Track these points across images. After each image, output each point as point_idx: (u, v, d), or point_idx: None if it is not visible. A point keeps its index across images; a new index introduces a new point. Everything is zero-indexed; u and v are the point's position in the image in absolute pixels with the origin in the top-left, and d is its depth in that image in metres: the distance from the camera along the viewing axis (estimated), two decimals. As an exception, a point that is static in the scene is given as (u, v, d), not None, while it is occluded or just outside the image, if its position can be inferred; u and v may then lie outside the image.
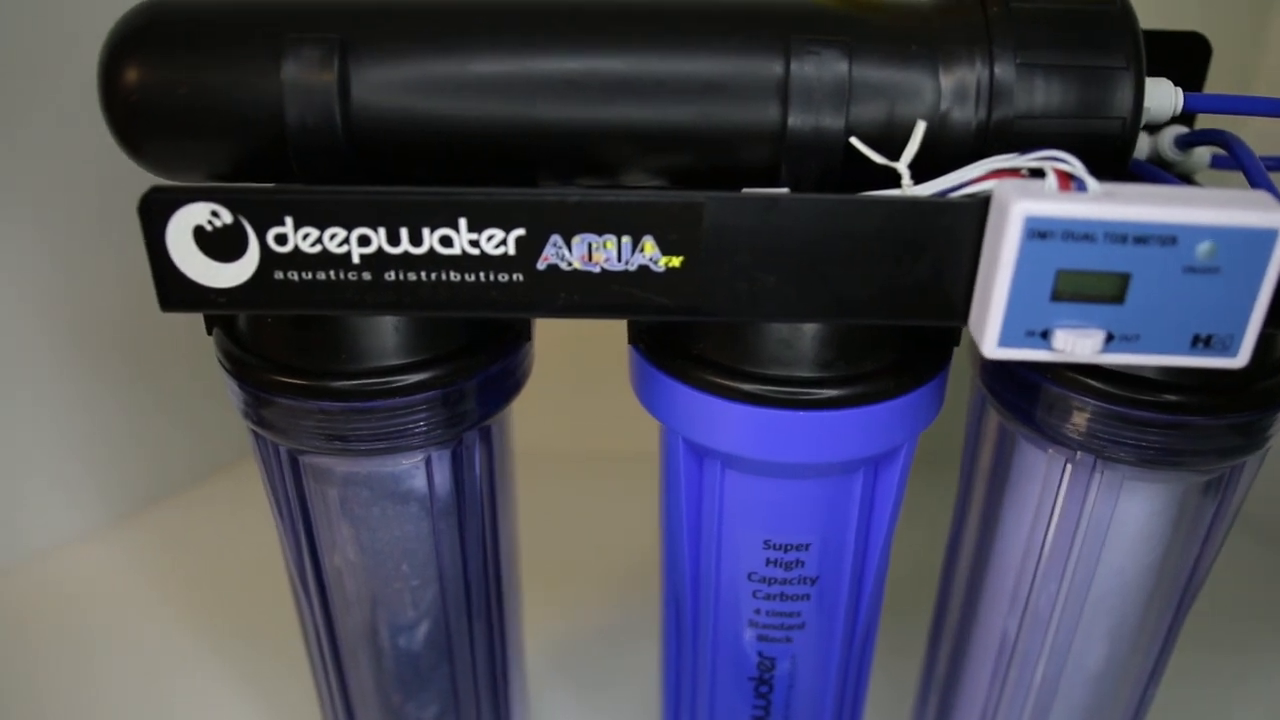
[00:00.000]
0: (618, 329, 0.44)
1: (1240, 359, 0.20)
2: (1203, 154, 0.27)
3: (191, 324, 0.50)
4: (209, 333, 0.26)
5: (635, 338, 0.25)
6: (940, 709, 0.33)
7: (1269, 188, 0.21)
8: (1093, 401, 0.24)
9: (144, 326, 0.47)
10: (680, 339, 0.24)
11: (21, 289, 0.43)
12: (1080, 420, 0.24)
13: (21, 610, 0.45)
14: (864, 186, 0.21)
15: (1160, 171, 0.25)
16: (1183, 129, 0.26)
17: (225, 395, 0.52)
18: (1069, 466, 0.25)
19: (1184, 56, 0.28)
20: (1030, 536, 0.27)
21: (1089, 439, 0.24)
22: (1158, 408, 0.23)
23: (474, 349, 0.24)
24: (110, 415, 0.48)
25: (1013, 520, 0.28)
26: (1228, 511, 0.26)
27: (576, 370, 0.47)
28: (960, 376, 0.27)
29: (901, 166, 0.21)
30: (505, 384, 0.25)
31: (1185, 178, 0.27)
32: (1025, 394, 0.25)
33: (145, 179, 0.24)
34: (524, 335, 0.26)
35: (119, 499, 0.50)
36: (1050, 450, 0.26)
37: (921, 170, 0.21)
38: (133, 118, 0.22)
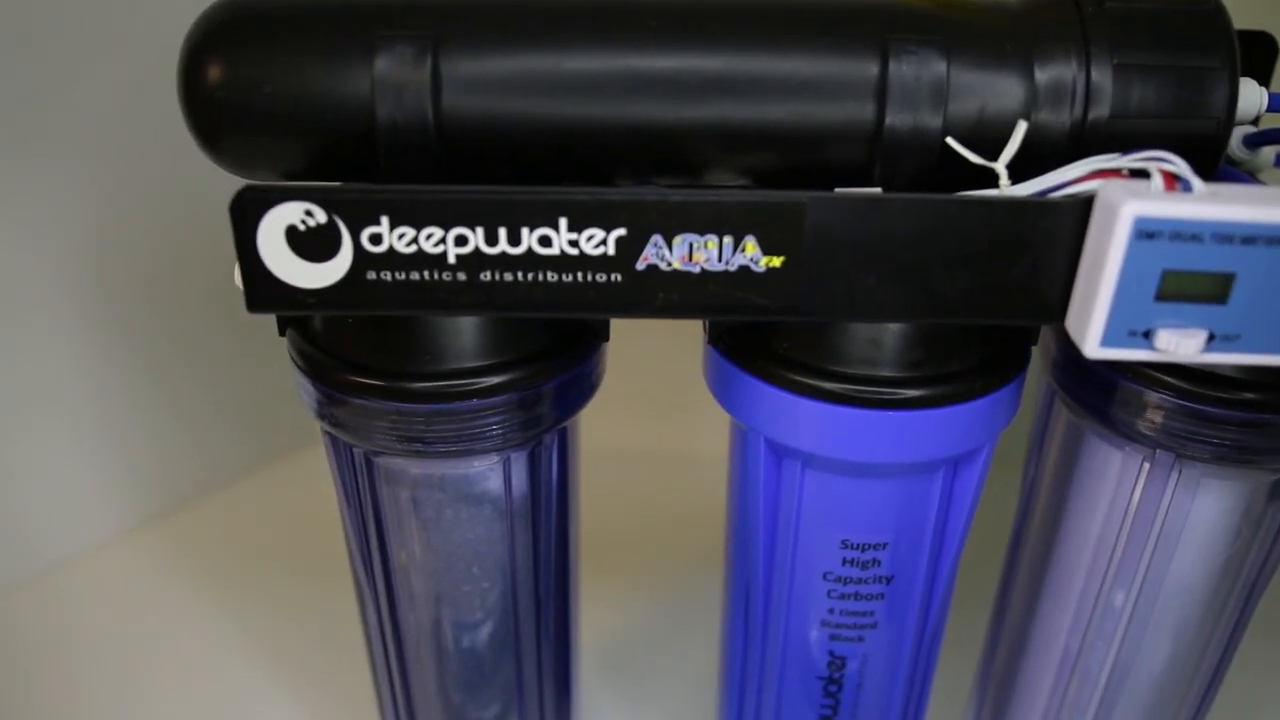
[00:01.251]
0: (661, 328, 0.44)
1: (1340, 358, 0.20)
2: (1268, 153, 0.27)
3: (232, 315, 0.50)
4: (282, 333, 0.25)
5: (715, 338, 0.25)
6: (996, 706, 0.33)
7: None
8: (1173, 399, 0.24)
9: (181, 319, 0.47)
10: (763, 339, 0.24)
11: (54, 268, 0.43)
12: (1159, 418, 0.24)
13: (59, 615, 0.44)
14: (954, 187, 0.21)
15: (1238, 171, 0.25)
16: (1250, 128, 0.26)
17: (267, 387, 0.52)
18: (1146, 465, 0.25)
19: (1250, 56, 0.28)
20: (1101, 535, 0.27)
21: (1167, 436, 0.24)
22: (1239, 405, 0.23)
23: (554, 351, 0.24)
24: (145, 412, 0.47)
25: (1081, 519, 0.28)
26: (1298, 509, 0.26)
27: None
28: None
29: (1000, 167, 0.21)
30: (583, 386, 0.25)
31: (1251, 176, 0.27)
32: (1101, 392, 0.25)
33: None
34: (602, 336, 0.25)
35: (155, 498, 0.50)
36: (1126, 448, 0.26)
37: (1013, 170, 0.21)
38: (215, 115, 0.22)
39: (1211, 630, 0.28)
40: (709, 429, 0.46)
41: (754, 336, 0.24)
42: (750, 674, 0.29)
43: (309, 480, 0.53)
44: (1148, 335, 0.20)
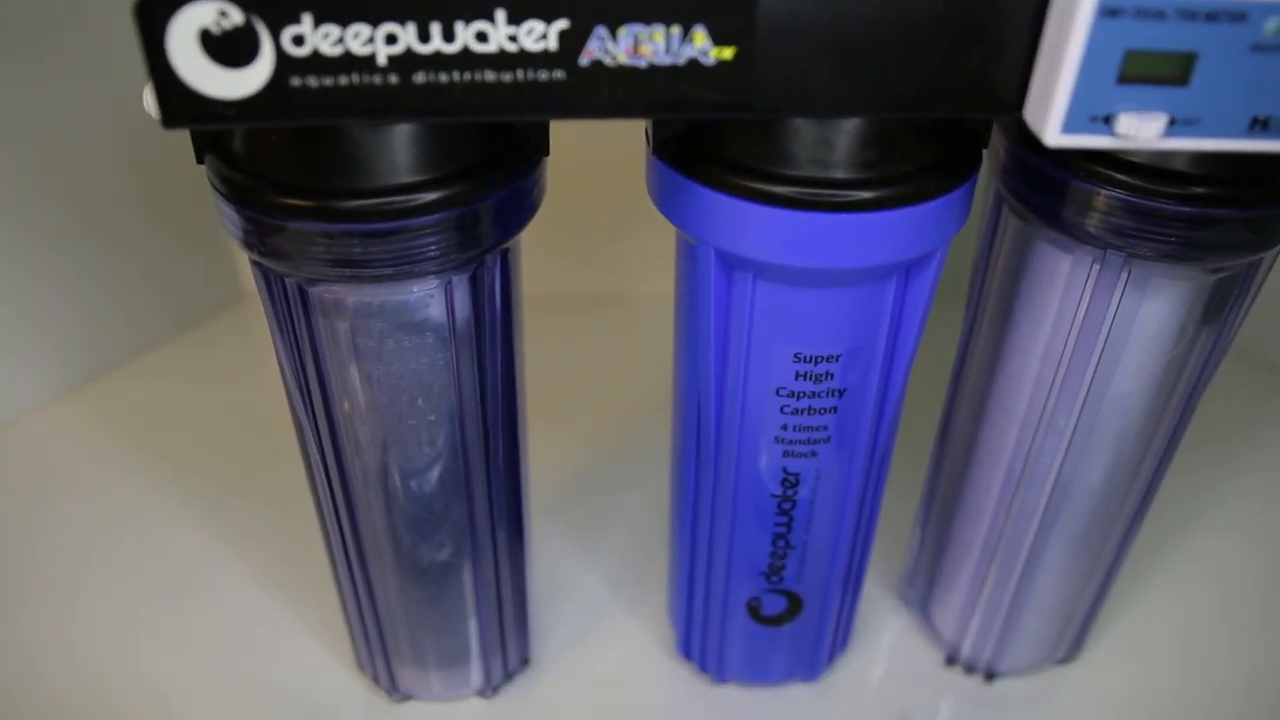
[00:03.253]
0: (598, 153, 0.42)
1: (1298, 141, 0.20)
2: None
3: (146, 175, 0.47)
4: (199, 160, 0.24)
5: (660, 147, 0.24)
6: (941, 523, 0.34)
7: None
8: (1124, 196, 0.23)
9: (95, 175, 0.44)
10: (710, 145, 0.23)
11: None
12: (1110, 216, 0.24)
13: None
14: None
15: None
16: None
17: (180, 254, 0.50)
18: (1095, 266, 0.25)
19: None
20: (1049, 344, 0.27)
21: (1117, 235, 0.24)
22: (1189, 200, 0.23)
23: (493, 165, 0.23)
24: (66, 277, 0.45)
25: (1029, 328, 0.28)
26: (1240, 311, 0.27)
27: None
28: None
29: (956, -52, 0.20)
30: (524, 203, 0.24)
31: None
32: (1051, 193, 0.25)
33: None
34: (542, 150, 0.24)
35: (71, 370, 0.48)
36: (1076, 251, 0.25)
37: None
38: None
39: (1152, 435, 0.29)
40: (650, 262, 0.46)
41: (701, 143, 0.23)
42: (703, 496, 0.29)
43: (223, 348, 0.52)
44: (1108, 120, 0.20)
